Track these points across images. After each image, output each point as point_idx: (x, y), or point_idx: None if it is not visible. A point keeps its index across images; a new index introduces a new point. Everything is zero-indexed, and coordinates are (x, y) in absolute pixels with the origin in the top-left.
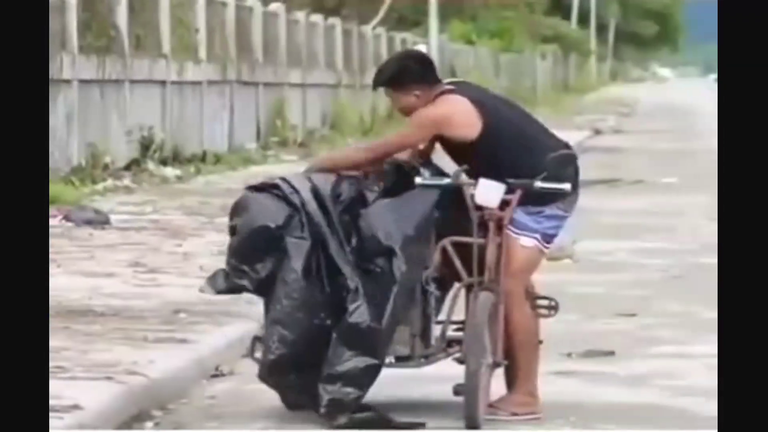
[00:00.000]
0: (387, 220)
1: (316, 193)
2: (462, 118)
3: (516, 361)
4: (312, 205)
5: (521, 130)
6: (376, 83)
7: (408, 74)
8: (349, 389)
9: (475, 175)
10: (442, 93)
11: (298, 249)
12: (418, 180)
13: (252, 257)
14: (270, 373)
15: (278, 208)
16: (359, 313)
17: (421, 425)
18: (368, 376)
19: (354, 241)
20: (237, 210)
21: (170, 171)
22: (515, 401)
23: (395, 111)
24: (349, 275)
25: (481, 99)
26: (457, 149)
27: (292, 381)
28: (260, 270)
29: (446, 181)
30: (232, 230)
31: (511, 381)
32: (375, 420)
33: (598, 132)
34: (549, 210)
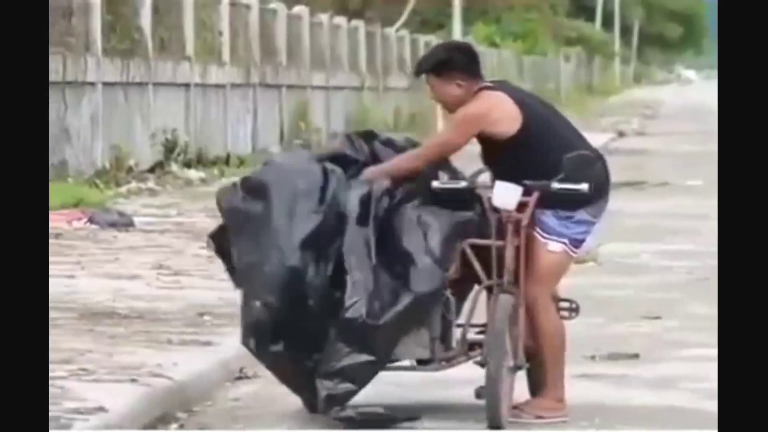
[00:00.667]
0: (417, 230)
1: (366, 194)
2: (503, 113)
3: (544, 366)
4: (349, 197)
5: (555, 129)
6: (420, 69)
7: (453, 62)
8: (345, 385)
9: (495, 175)
10: (483, 89)
11: (306, 219)
12: (435, 184)
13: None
14: (251, 335)
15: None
16: (355, 308)
17: (415, 418)
18: (365, 372)
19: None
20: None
21: (194, 173)
22: (542, 405)
23: (433, 101)
24: (355, 268)
25: (520, 97)
26: (491, 145)
27: (276, 353)
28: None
29: (463, 184)
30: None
31: (534, 385)
32: (372, 417)
33: (621, 134)
34: (578, 215)
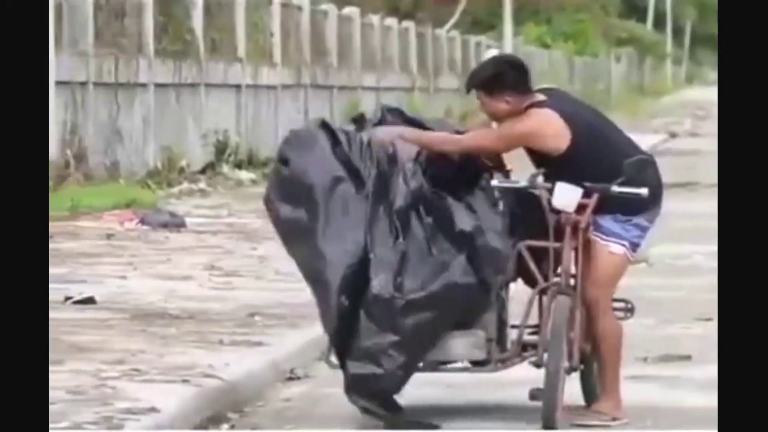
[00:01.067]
0: (478, 220)
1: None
2: (551, 132)
3: (603, 368)
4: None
5: (606, 139)
6: (470, 86)
7: (502, 80)
8: (371, 367)
9: (552, 178)
10: (533, 104)
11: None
12: (493, 182)
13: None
14: (337, 330)
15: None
16: (381, 285)
17: (436, 426)
18: (392, 357)
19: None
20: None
21: (245, 174)
22: (603, 408)
23: (481, 113)
24: (378, 244)
25: (570, 110)
26: (541, 156)
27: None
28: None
29: (522, 183)
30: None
31: (588, 389)
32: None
33: (673, 135)
34: (636, 219)
